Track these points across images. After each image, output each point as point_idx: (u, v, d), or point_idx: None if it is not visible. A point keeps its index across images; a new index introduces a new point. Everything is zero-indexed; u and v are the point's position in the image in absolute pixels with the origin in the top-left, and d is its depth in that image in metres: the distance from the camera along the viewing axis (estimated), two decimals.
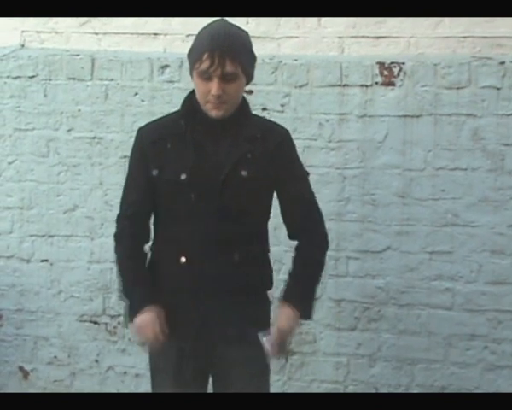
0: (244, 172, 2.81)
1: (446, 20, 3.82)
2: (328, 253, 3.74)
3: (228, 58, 2.71)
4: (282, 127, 3.02)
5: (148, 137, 2.91)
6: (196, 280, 2.80)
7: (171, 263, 2.83)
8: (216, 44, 2.71)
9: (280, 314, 2.82)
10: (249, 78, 2.85)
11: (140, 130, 2.97)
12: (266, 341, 2.79)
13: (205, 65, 2.71)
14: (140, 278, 2.92)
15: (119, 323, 4.11)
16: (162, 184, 2.83)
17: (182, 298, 2.84)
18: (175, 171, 2.81)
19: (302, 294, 2.90)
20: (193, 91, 2.85)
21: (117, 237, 2.97)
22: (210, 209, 2.78)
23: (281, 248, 3.37)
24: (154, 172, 2.83)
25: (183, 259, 2.80)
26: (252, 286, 2.91)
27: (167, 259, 2.86)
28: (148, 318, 2.84)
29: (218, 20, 2.89)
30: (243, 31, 2.88)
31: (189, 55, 2.84)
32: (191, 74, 2.84)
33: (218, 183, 2.80)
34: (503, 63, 3.77)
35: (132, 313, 2.88)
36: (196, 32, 3.83)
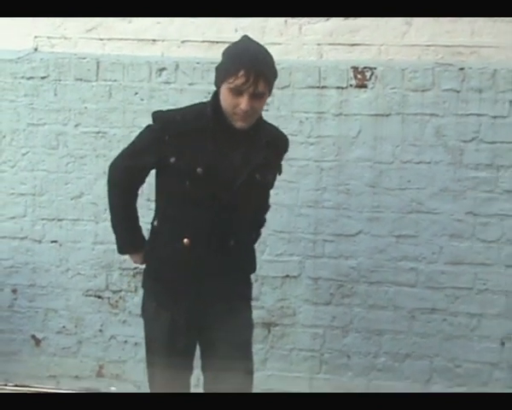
0: (258, 176, 2.84)
1: (412, 30, 3.86)
2: (307, 236, 4.03)
3: (261, 78, 2.69)
4: (284, 135, 3.05)
5: (171, 127, 2.85)
6: (196, 261, 2.83)
7: (174, 242, 2.85)
8: (253, 65, 2.68)
9: None
10: (270, 93, 2.84)
11: (160, 115, 2.92)
12: None
13: (239, 81, 2.67)
14: (129, 224, 3.04)
15: (120, 297, 4.16)
16: (177, 172, 2.82)
17: (180, 275, 2.88)
18: (192, 163, 2.78)
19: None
20: (216, 93, 2.82)
21: (115, 184, 3.02)
22: (218, 202, 2.80)
23: (264, 232, 3.36)
24: (172, 160, 2.80)
25: (187, 240, 2.82)
26: (241, 268, 2.97)
27: (170, 238, 2.88)
28: (137, 258, 3.09)
29: (244, 38, 2.87)
30: (267, 50, 2.85)
31: (221, 68, 2.80)
32: (217, 85, 2.81)
33: (234, 183, 2.81)
34: (462, 69, 3.84)
35: (119, 249, 3.08)
36: (191, 39, 3.97)
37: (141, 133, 2.96)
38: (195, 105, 2.97)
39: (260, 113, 2.84)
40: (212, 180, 2.78)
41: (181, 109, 2.98)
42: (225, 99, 2.75)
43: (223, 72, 2.77)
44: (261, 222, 3.19)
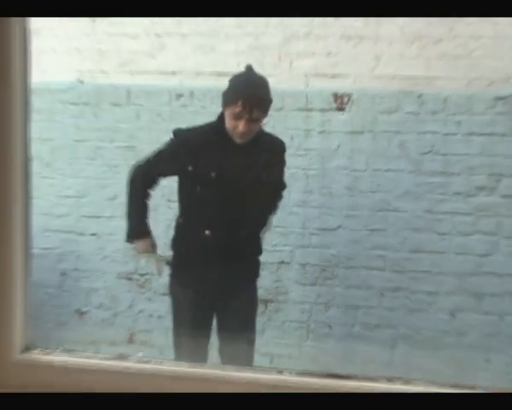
0: (261, 175, 2.86)
1: (381, 64, 3.88)
2: (297, 230, 4.05)
3: (255, 108, 2.74)
4: (280, 139, 3.05)
5: (186, 142, 2.90)
6: (215, 249, 2.86)
7: (197, 234, 2.89)
8: (249, 97, 2.73)
9: None
10: (267, 115, 2.88)
11: (179, 132, 2.95)
12: None
13: (238, 109, 2.73)
14: (139, 216, 3.04)
15: (146, 280, 4.22)
16: (194, 177, 2.86)
17: (202, 262, 2.91)
18: (206, 169, 2.82)
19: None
20: (223, 113, 2.86)
21: (132, 183, 3.01)
22: (230, 198, 2.83)
23: None
24: (190, 168, 2.85)
25: (208, 232, 2.86)
26: (252, 254, 3.02)
27: (193, 230, 2.92)
28: (139, 245, 3.07)
29: (247, 69, 2.87)
30: (266, 79, 2.86)
31: (225, 96, 2.83)
32: (223, 107, 2.84)
33: (243, 183, 2.83)
34: (420, 96, 3.90)
35: (128, 236, 3.06)
36: (203, 71, 3.94)
37: (163, 145, 2.97)
38: (207, 124, 2.99)
39: (257, 129, 2.86)
40: (223, 182, 2.83)
41: (195, 127, 3.00)
42: (228, 121, 2.81)
43: (226, 99, 2.83)
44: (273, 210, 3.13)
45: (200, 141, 2.89)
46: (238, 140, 2.84)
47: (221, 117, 2.89)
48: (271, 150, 2.98)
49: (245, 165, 2.87)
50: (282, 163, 3.04)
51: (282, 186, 3.12)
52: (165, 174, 3.03)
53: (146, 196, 3.06)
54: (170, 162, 2.95)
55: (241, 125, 2.78)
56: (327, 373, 1.19)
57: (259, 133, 2.93)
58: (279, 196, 3.14)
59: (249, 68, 2.90)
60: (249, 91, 2.77)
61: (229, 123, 2.83)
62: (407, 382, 1.19)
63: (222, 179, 2.84)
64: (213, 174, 2.83)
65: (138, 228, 3.05)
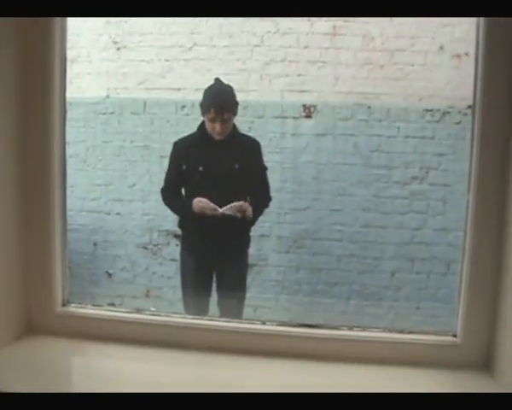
0: (237, 166, 2.82)
1: (339, 83, 3.86)
2: (275, 210, 3.84)
3: (225, 111, 2.77)
4: (255, 139, 3.02)
5: (180, 147, 2.92)
6: (210, 225, 2.80)
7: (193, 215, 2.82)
8: (219, 104, 2.76)
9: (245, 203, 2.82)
10: (235, 115, 2.87)
11: (175, 142, 2.96)
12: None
13: (211, 115, 2.77)
14: (180, 203, 2.96)
15: (158, 249, 4.14)
16: (189, 173, 2.86)
17: (201, 234, 2.87)
18: (196, 165, 2.83)
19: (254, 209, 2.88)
20: (203, 122, 2.86)
21: (165, 201, 2.99)
22: (216, 187, 2.80)
23: None
24: (184, 167, 2.86)
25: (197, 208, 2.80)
26: (240, 227, 2.89)
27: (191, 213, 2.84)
28: (197, 201, 2.81)
29: (216, 81, 2.86)
30: (231, 87, 2.86)
31: (202, 105, 2.85)
32: (202, 115, 2.85)
33: (225, 173, 2.79)
34: (369, 107, 3.88)
35: (186, 210, 2.86)
36: (201, 87, 3.75)
37: (168, 164, 2.97)
38: (193, 132, 2.97)
39: (231, 126, 2.84)
40: (209, 173, 2.82)
41: (187, 136, 2.99)
42: (207, 125, 2.84)
43: (202, 108, 2.85)
44: (262, 200, 3.02)
45: (189, 145, 2.91)
46: (217, 137, 2.83)
47: (202, 124, 2.90)
48: (248, 147, 2.96)
49: (224, 158, 2.84)
50: (260, 155, 3.00)
51: (264, 168, 3.04)
52: (178, 181, 2.96)
53: (179, 195, 3.01)
54: (175, 171, 2.95)
55: (217, 126, 2.80)
56: (299, 323, 1.19)
57: (235, 133, 2.92)
58: (265, 176, 3.04)
59: (217, 80, 2.91)
60: (218, 99, 2.80)
61: (208, 126, 2.84)
62: (363, 329, 1.18)
63: (208, 172, 2.83)
64: (201, 168, 2.83)
65: (188, 209, 2.88)
